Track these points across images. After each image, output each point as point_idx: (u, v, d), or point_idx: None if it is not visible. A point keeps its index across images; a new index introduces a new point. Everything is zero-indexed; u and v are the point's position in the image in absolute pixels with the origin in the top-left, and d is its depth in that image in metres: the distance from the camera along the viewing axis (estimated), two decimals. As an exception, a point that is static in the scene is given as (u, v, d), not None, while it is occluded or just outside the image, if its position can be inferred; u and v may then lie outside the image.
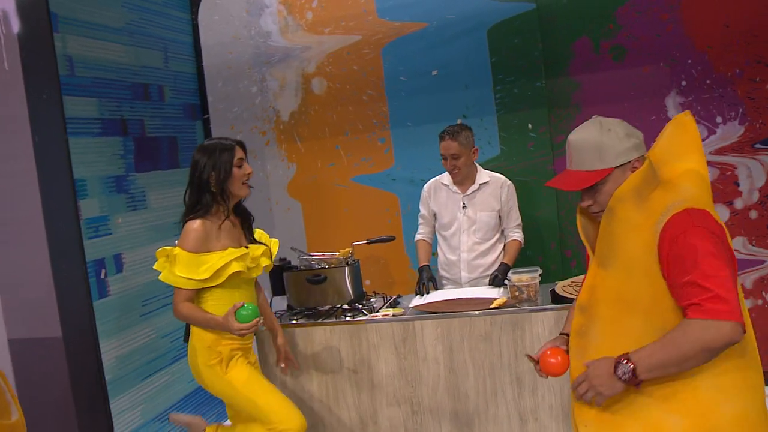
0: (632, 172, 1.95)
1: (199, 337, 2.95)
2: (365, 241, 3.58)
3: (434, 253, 4.10)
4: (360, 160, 4.68)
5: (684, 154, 1.99)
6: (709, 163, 2.19)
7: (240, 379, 2.92)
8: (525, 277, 3.32)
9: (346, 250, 3.52)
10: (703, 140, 4.07)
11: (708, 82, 4.15)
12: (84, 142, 3.74)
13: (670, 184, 1.93)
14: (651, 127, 4.15)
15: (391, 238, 3.67)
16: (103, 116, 3.91)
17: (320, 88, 4.69)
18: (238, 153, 2.96)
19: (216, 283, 2.88)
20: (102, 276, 3.80)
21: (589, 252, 2.07)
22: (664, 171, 1.97)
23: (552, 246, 4.41)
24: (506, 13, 4.34)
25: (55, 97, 3.38)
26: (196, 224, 2.89)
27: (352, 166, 4.71)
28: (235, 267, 2.87)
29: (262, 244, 3.10)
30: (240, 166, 2.95)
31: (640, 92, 4.26)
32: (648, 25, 4.20)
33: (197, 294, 2.94)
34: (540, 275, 3.34)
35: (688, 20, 4.16)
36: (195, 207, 2.96)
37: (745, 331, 1.77)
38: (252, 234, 3.10)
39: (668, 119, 4.21)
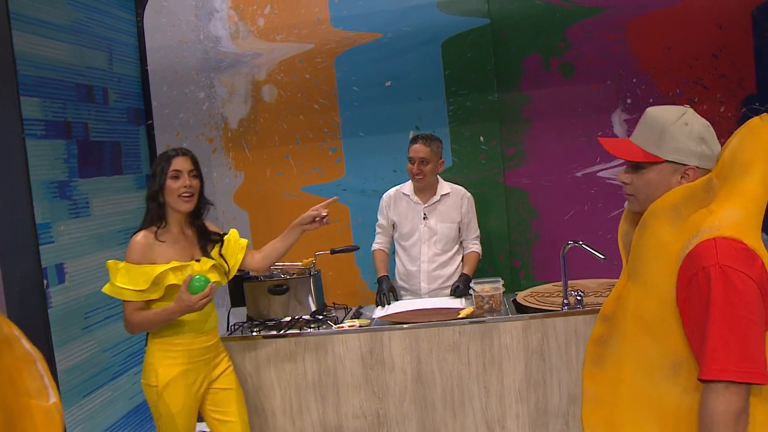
0: (682, 178, 1.79)
1: (154, 349, 2.87)
2: (329, 251, 3.49)
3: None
4: (310, 170, 4.61)
5: (748, 167, 1.72)
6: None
7: (171, 405, 2.83)
8: (488, 288, 3.32)
9: (309, 260, 3.44)
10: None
11: (651, 100, 4.29)
12: (28, 143, 3.51)
13: (717, 205, 1.74)
14: (597, 142, 4.24)
15: (355, 248, 3.61)
16: (47, 117, 3.69)
17: (271, 96, 4.59)
18: (175, 164, 2.84)
19: (157, 296, 2.78)
20: (45, 287, 3.57)
21: (624, 261, 1.93)
22: (723, 189, 1.74)
23: (501, 257, 4.44)
24: (460, 27, 4.37)
25: (11, 96, 3.16)
26: (139, 236, 2.83)
27: (302, 176, 4.62)
28: (172, 279, 2.76)
29: (221, 260, 2.98)
30: (176, 178, 2.82)
31: (587, 108, 4.36)
32: (596, 44, 4.32)
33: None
34: (503, 285, 3.35)
35: (633, 41, 4.30)
36: (145, 218, 2.91)
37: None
38: (208, 249, 2.97)
39: (614, 135, 4.37)
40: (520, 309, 3.32)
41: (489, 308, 3.26)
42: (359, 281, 4.60)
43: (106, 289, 2.81)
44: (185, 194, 2.82)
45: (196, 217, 2.96)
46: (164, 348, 2.84)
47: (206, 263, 2.89)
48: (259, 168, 4.65)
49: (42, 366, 1.95)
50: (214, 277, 2.88)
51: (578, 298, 3.15)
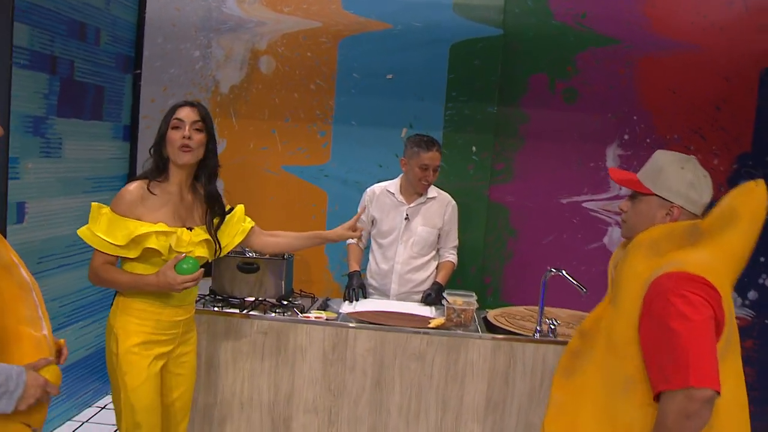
0: (666, 215, 1.98)
1: (124, 307, 2.60)
2: (306, 236, 3.34)
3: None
4: (295, 149, 4.45)
5: (733, 221, 1.87)
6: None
7: (129, 378, 2.55)
8: (460, 301, 3.21)
9: (285, 243, 3.27)
10: (633, 195, 4.15)
11: (648, 140, 4.24)
12: (5, 71, 3.29)
13: (694, 249, 1.88)
14: (587, 172, 4.20)
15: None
16: (34, 47, 3.48)
17: (268, 68, 4.42)
18: (179, 113, 2.58)
19: (132, 255, 2.51)
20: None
21: (609, 285, 2.09)
22: (706, 239, 1.88)
23: (472, 270, 4.35)
24: (473, 32, 4.26)
25: (6, 22, 2.93)
26: (131, 186, 2.56)
27: (286, 154, 4.46)
28: (154, 243, 2.48)
29: (213, 238, 2.70)
30: (177, 128, 2.56)
31: (584, 137, 4.29)
32: (604, 75, 4.25)
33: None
34: (476, 301, 3.24)
35: (640, 79, 4.24)
36: (145, 168, 2.65)
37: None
38: (205, 219, 2.69)
39: (605, 168, 4.31)
40: (490, 328, 3.22)
41: (459, 322, 3.16)
42: (325, 270, 4.46)
43: (81, 231, 2.54)
44: (184, 147, 2.54)
45: (204, 182, 2.68)
46: (129, 312, 2.56)
47: (197, 235, 2.60)
48: (243, 139, 4.48)
49: (37, 296, 1.86)
50: (202, 251, 2.61)
51: (552, 326, 3.05)
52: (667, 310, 1.76)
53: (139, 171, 2.96)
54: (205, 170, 2.68)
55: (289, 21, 4.36)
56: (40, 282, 3.65)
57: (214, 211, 2.72)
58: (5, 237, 3.36)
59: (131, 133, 4.46)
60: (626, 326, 1.89)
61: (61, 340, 2.03)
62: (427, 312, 3.38)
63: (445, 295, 3.27)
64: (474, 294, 3.29)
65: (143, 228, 2.49)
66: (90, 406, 4.21)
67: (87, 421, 4.03)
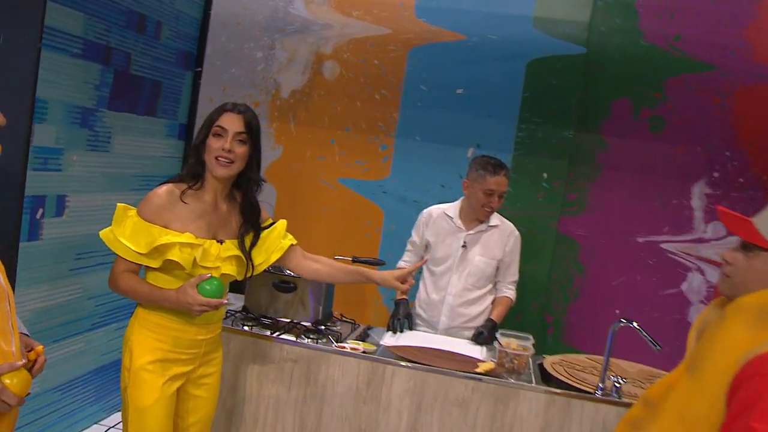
0: None
1: (142, 320, 2.36)
2: (350, 259, 3.04)
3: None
4: (354, 162, 4.18)
5: None
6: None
7: (140, 397, 2.30)
8: (515, 344, 2.86)
9: (327, 262, 2.98)
10: (720, 238, 3.70)
11: (741, 180, 3.78)
12: (57, 59, 3.15)
13: None
14: (669, 210, 3.78)
15: (379, 262, 3.14)
16: (87, 36, 3.31)
17: (332, 73, 4.17)
18: (224, 120, 2.31)
19: (154, 265, 2.27)
20: (38, 216, 3.20)
21: (688, 347, 1.81)
22: None
23: (533, 307, 3.96)
24: (553, 49, 3.90)
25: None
26: (161, 189, 2.31)
27: (344, 166, 4.19)
28: (175, 254, 2.22)
29: (244, 255, 2.41)
30: (218, 136, 2.29)
31: (668, 171, 3.87)
32: (696, 104, 3.82)
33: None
34: (533, 346, 2.88)
35: (737, 111, 3.79)
36: (181, 171, 2.41)
37: None
38: (239, 233, 2.42)
39: (690, 207, 3.86)
40: (546, 377, 2.85)
41: (511, 368, 2.80)
42: (375, 292, 4.15)
43: (103, 233, 2.32)
44: (222, 158, 2.28)
45: (241, 192, 2.43)
46: (147, 325, 2.32)
47: (227, 250, 2.35)
48: (300, 146, 4.23)
49: (11, 306, 1.69)
50: (229, 268, 2.34)
51: (617, 384, 2.66)
52: (754, 402, 1.43)
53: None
54: (245, 181, 2.41)
55: (357, 26, 4.10)
56: (77, 279, 3.51)
57: (250, 224, 2.45)
58: (39, 230, 3.23)
59: (186, 132, 4.26)
60: (707, 404, 1.58)
61: (39, 347, 1.79)
62: (477, 352, 3.03)
63: (498, 335, 2.92)
64: (531, 337, 2.94)
65: (167, 237, 2.24)
66: (119, 411, 4.01)
67: (114, 426, 3.84)
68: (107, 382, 3.91)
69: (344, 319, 3.24)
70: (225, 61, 4.26)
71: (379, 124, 4.13)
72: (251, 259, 2.44)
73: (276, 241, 2.51)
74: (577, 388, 2.71)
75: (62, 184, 3.32)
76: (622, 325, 2.67)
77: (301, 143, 4.23)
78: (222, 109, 2.34)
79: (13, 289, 2.93)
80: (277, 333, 2.85)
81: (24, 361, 1.68)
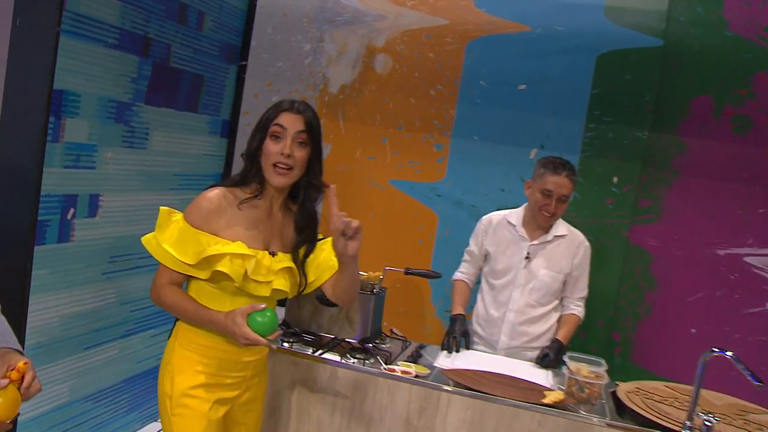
0: None
1: (183, 340, 2.11)
2: (402, 270, 2.72)
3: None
4: (406, 162, 3.89)
5: None
6: None
7: (187, 429, 2.05)
8: (586, 371, 2.50)
9: (377, 273, 2.69)
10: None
11: (838, 189, 3.34)
12: (91, 49, 2.91)
13: None
14: (755, 220, 3.36)
15: (435, 275, 2.83)
16: (124, 26, 3.06)
17: (384, 67, 3.88)
18: (283, 118, 2.04)
19: (203, 276, 2.02)
20: (69, 216, 2.96)
21: None
22: None
23: (600, 324, 3.59)
24: (626, 41, 3.53)
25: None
26: (212, 192, 2.06)
27: (395, 167, 3.90)
28: (225, 266, 1.98)
29: (298, 269, 2.16)
30: (276, 138, 2.03)
31: (754, 176, 3.46)
32: (788, 102, 3.39)
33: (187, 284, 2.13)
34: (607, 372, 2.52)
35: (836, 111, 3.35)
36: (238, 174, 2.17)
37: None
38: (294, 245, 2.16)
39: (779, 217, 3.45)
40: (620, 408, 2.49)
41: (582, 398, 2.45)
42: (427, 303, 3.84)
43: (146, 239, 2.08)
44: (281, 165, 2.02)
45: (299, 201, 2.16)
46: (189, 346, 2.08)
47: (280, 262, 2.09)
48: (350, 145, 3.96)
49: None
50: (281, 283, 2.08)
51: (707, 423, 2.28)
52: None
53: (235, 171, 2.49)
54: (304, 189, 2.15)
55: (411, 16, 3.79)
56: (110, 283, 3.27)
57: (305, 236, 2.18)
58: (70, 231, 3.00)
59: (230, 129, 4.00)
60: None
61: (21, 363, 1.56)
62: (542, 378, 2.69)
63: (566, 359, 2.57)
64: (603, 362, 2.58)
65: (217, 246, 2.00)
66: (155, 420, 3.79)
67: (149, 437, 3.62)
68: (142, 390, 3.68)
69: (394, 334, 2.93)
70: (271, 55, 4.02)
71: (434, 122, 3.82)
72: (305, 275, 2.17)
73: (327, 259, 2.20)
74: (659, 424, 2.34)
75: (95, 182, 3.07)
76: (714, 354, 2.30)
77: (350, 142, 3.96)
78: (279, 108, 2.08)
79: (28, 295, 2.73)
80: (320, 351, 2.56)
81: (5, 381, 1.50)
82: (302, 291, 2.18)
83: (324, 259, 2.20)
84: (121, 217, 3.25)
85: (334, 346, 2.63)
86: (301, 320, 2.74)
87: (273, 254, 2.09)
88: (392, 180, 3.90)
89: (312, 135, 2.07)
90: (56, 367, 3.00)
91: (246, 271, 2.00)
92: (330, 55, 3.94)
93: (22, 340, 2.67)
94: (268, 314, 1.92)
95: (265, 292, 2.05)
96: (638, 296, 3.61)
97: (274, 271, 2.06)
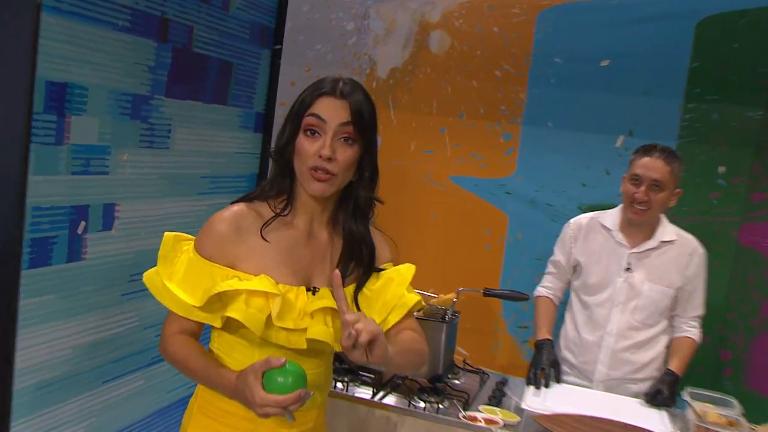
0: None
1: (202, 404, 1.65)
2: (480, 291, 2.25)
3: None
4: (469, 156, 3.45)
5: None
6: None
7: None
8: (715, 415, 2.01)
9: (449, 296, 2.23)
10: None
11: None
12: (99, 34, 2.52)
13: None
14: None
15: (522, 297, 2.37)
16: (137, 6, 2.68)
17: (440, 47, 3.44)
18: (320, 106, 1.55)
19: (215, 323, 1.57)
20: (80, 231, 2.58)
21: None
22: None
23: (706, 340, 3.05)
24: (733, 2, 3.05)
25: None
26: (228, 212, 1.60)
27: (456, 161, 3.46)
28: (238, 310, 1.51)
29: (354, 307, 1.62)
30: (312, 132, 1.55)
31: None
32: None
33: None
34: (743, 416, 2.02)
35: None
36: (262, 183, 1.71)
37: None
38: (343, 274, 1.59)
39: None
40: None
41: (716, 452, 1.95)
42: (498, 318, 3.39)
43: (147, 276, 1.69)
44: (319, 168, 1.54)
45: (346, 216, 1.68)
46: (210, 412, 1.62)
47: (321, 299, 1.58)
48: (403, 137, 3.54)
49: None
50: (319, 330, 1.55)
51: None
52: None
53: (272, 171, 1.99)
54: (353, 201, 1.66)
55: (471, -15, 3.34)
56: (131, 305, 2.88)
57: (358, 265, 1.67)
58: (82, 249, 2.60)
59: (264, 123, 3.59)
60: None
61: None
62: (657, 421, 2.21)
63: (686, 397, 2.08)
64: (736, 402, 2.09)
65: (231, 282, 1.52)
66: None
67: (182, 479, 3.21)
68: (172, 424, 3.29)
69: (468, 366, 2.46)
70: (309, 36, 3.61)
71: (501, 108, 3.38)
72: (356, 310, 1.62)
73: (394, 296, 1.68)
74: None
75: (110, 190, 2.68)
76: None
77: (403, 134, 3.54)
78: (317, 90, 1.58)
79: (15, 323, 2.32)
80: (381, 394, 2.11)
81: None
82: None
83: (393, 294, 1.68)
84: (141, 229, 2.85)
85: (397, 385, 2.19)
86: (356, 354, 2.28)
87: (314, 291, 1.60)
88: (453, 176, 3.47)
89: (362, 128, 1.57)
90: (69, 407, 2.61)
91: (270, 316, 1.51)
92: (377, 34, 3.53)
93: (6, 382, 2.29)
94: (291, 371, 1.41)
95: (298, 343, 1.55)
96: (752, 308, 3.10)
97: (309, 314, 1.56)
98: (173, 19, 2.84)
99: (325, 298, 1.56)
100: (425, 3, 3.41)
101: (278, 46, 3.55)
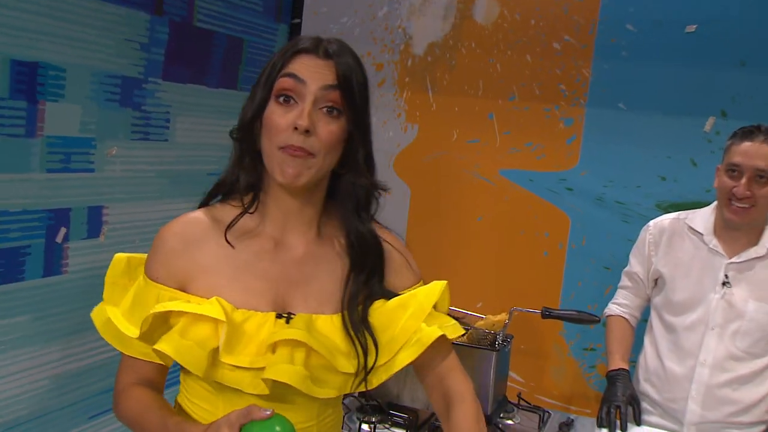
0: None
1: None
2: (539, 311, 1.96)
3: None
4: (523, 146, 3.19)
5: None
6: None
7: None
8: None
9: (501, 317, 1.97)
10: None
11: None
12: (80, 4, 2.36)
13: None
14: None
15: (591, 319, 2.08)
16: (127, -30, 2.53)
17: (487, 17, 3.20)
18: (296, 64, 1.30)
19: (154, 358, 1.35)
20: (59, 239, 2.41)
21: None
22: None
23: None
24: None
25: None
26: (178, 221, 1.39)
27: (507, 152, 3.21)
28: (168, 341, 1.26)
29: (355, 341, 1.34)
30: (284, 100, 1.30)
31: None
32: None
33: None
34: None
35: None
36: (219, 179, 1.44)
37: None
38: (352, 303, 1.38)
39: None
40: None
41: None
42: (558, 338, 3.11)
43: (94, 314, 1.44)
44: (290, 148, 1.28)
45: (351, 214, 1.42)
46: None
47: (289, 330, 1.31)
48: (444, 124, 3.31)
49: None
50: (286, 372, 1.28)
51: None
52: None
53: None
54: (349, 195, 1.39)
55: (525, -59, 3.12)
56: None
57: (358, 279, 1.39)
58: (61, 260, 2.40)
59: (282, 111, 3.39)
60: None
61: None
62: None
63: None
64: None
65: (170, 304, 1.29)
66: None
67: None
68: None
69: (523, 402, 2.18)
70: (332, 8, 3.44)
71: (560, 88, 3.12)
72: (363, 352, 1.33)
73: (412, 325, 1.38)
74: None
75: (95, 190, 2.53)
76: None
77: (444, 121, 3.32)
78: (294, 47, 1.33)
79: None
80: (417, 438, 1.85)
81: None
82: (364, 386, 1.36)
83: (405, 327, 1.39)
84: (134, 236, 2.73)
85: (436, 428, 2.01)
86: (386, 390, 2.11)
87: (287, 318, 1.32)
88: (503, 170, 3.23)
89: (351, 97, 1.32)
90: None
91: (218, 349, 1.27)
92: (412, 3, 3.32)
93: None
94: (276, 424, 1.15)
95: (254, 386, 1.29)
96: None
97: (274, 346, 1.30)
98: (169, -12, 2.69)
99: (296, 328, 1.29)
100: (469, -35, 3.17)
101: (297, 20, 3.49)
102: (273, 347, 1.27)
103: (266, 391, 1.26)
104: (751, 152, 2.18)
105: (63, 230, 2.42)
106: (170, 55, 2.76)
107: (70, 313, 2.46)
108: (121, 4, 2.49)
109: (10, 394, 2.28)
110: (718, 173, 2.32)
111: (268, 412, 1.14)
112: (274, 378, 1.25)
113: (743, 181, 2.17)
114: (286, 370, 1.25)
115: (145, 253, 1.44)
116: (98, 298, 2.32)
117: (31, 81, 2.23)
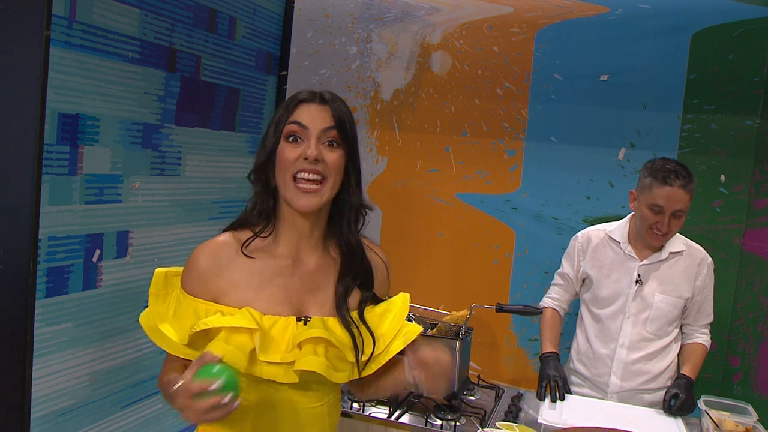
0: None
1: None
2: (494, 307, 2.18)
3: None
4: (474, 173, 3.32)
5: None
6: None
7: None
8: (731, 422, 1.93)
9: (462, 313, 2.16)
10: None
11: None
12: (109, 66, 2.49)
13: None
14: None
15: (534, 311, 2.29)
16: (146, 38, 2.62)
17: (442, 67, 3.34)
18: (300, 113, 1.46)
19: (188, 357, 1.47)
20: (94, 259, 2.52)
21: None
22: None
23: (714, 347, 2.97)
24: (727, 15, 2.95)
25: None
26: (210, 244, 1.50)
27: (462, 179, 3.34)
28: (216, 348, 1.36)
29: (354, 336, 1.48)
30: (294, 140, 1.45)
31: None
32: None
33: None
34: (758, 421, 1.94)
35: None
36: (245, 210, 1.57)
37: None
38: (342, 301, 1.51)
39: None
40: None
41: (736, 460, 1.87)
42: (506, 331, 3.27)
43: (143, 317, 1.52)
44: (306, 174, 1.43)
45: (344, 227, 1.54)
46: None
47: (310, 330, 1.44)
48: (409, 157, 3.41)
49: None
50: (312, 362, 1.41)
51: None
52: None
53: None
54: (343, 212, 1.54)
55: (470, 7, 3.26)
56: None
57: (359, 277, 1.55)
58: (97, 276, 2.53)
59: (272, 148, 3.51)
60: None
61: None
62: (673, 430, 2.11)
63: (702, 404, 2.00)
64: (751, 409, 2.01)
65: (208, 320, 1.40)
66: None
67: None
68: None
69: (482, 382, 2.38)
70: (313, 62, 3.50)
71: (503, 125, 3.26)
72: (362, 349, 1.48)
73: (398, 323, 1.55)
74: None
75: (123, 218, 2.63)
76: None
77: (408, 153, 3.42)
78: (296, 100, 1.49)
79: (32, 352, 2.25)
80: (397, 413, 2.02)
81: None
82: (358, 373, 1.49)
83: (392, 324, 1.54)
84: (155, 255, 2.80)
85: (413, 404, 2.10)
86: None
87: (305, 321, 1.46)
88: (459, 194, 3.34)
89: (345, 133, 1.47)
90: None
91: (251, 352, 1.39)
92: (380, 57, 3.42)
93: (23, 411, 2.23)
94: (220, 370, 1.25)
95: (288, 376, 1.42)
96: (759, 313, 2.99)
97: (299, 357, 1.42)
98: (181, 49, 2.80)
99: (315, 328, 1.43)
100: (426, 25, 3.32)
101: (284, 72, 3.52)
102: (300, 345, 1.41)
103: (296, 380, 1.40)
104: (672, 197, 2.33)
105: (98, 252, 2.51)
106: (181, 105, 2.84)
107: (104, 321, 2.55)
108: (142, 64, 2.59)
109: (58, 387, 2.36)
110: (636, 201, 2.46)
111: (218, 357, 1.27)
112: (304, 368, 1.39)
113: (665, 219, 2.35)
114: (314, 361, 1.40)
115: (169, 264, 1.56)
116: (127, 308, 2.48)
117: (74, 130, 2.32)
